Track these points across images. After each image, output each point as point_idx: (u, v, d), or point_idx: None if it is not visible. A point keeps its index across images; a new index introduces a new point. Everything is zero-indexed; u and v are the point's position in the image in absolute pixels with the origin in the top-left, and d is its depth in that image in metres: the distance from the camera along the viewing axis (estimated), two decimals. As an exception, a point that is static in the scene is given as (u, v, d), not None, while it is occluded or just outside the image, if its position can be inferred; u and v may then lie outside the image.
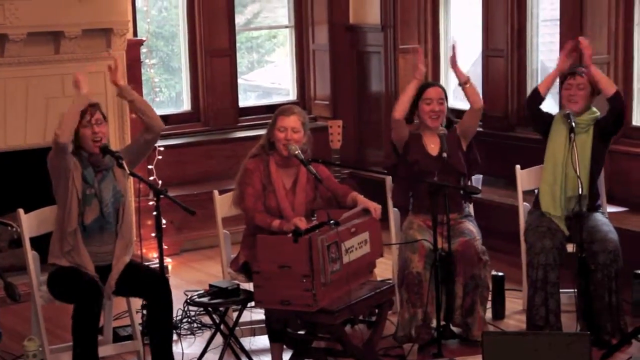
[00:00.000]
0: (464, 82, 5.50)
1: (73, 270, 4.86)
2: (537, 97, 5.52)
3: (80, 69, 5.37)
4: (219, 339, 5.16)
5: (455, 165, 5.46)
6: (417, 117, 5.58)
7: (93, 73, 6.22)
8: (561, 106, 5.79)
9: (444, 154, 5.33)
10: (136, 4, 7.26)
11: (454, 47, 5.58)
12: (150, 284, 4.89)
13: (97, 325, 4.81)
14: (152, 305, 4.87)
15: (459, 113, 5.80)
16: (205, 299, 4.99)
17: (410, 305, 5.27)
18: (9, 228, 5.79)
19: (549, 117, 5.56)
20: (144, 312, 4.97)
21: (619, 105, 5.41)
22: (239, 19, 8.11)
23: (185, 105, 7.92)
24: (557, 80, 5.68)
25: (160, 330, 4.89)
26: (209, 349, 5.14)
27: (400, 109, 5.48)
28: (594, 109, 5.50)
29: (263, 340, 5.32)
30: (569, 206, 5.43)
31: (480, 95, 5.60)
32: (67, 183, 4.85)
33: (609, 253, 5.26)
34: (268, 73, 8.80)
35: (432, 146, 5.50)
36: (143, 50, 7.14)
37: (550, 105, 6.65)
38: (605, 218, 5.56)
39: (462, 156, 5.54)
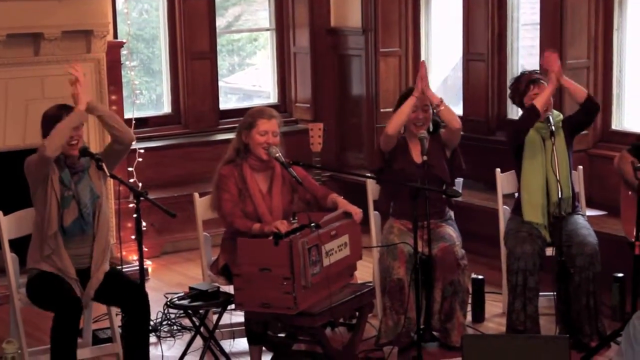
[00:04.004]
0: (436, 105, 5.45)
1: (53, 277, 4.82)
2: (538, 115, 5.36)
3: (60, 70, 5.34)
4: (199, 341, 5.15)
5: (437, 173, 5.46)
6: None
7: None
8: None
9: (424, 157, 5.33)
10: (116, 6, 7.24)
11: (424, 70, 5.46)
12: (128, 297, 4.85)
13: (76, 335, 4.79)
14: (130, 318, 4.85)
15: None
16: (185, 302, 4.98)
17: (394, 312, 5.28)
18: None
19: None
20: (124, 315, 4.95)
21: (593, 108, 5.45)
22: (220, 22, 8.10)
23: (166, 108, 7.91)
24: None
25: (137, 342, 4.86)
26: (188, 351, 5.13)
27: (395, 126, 5.43)
28: (556, 111, 5.54)
29: (243, 343, 5.31)
30: (552, 211, 5.44)
31: (456, 115, 5.52)
32: (45, 187, 4.82)
33: (586, 256, 5.28)
34: (249, 76, 8.80)
35: (417, 153, 5.47)
36: (123, 52, 7.12)
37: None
38: (585, 221, 5.58)
39: (446, 163, 5.54)
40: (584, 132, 5.88)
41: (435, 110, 5.48)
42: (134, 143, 6.99)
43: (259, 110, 5.19)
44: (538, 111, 5.35)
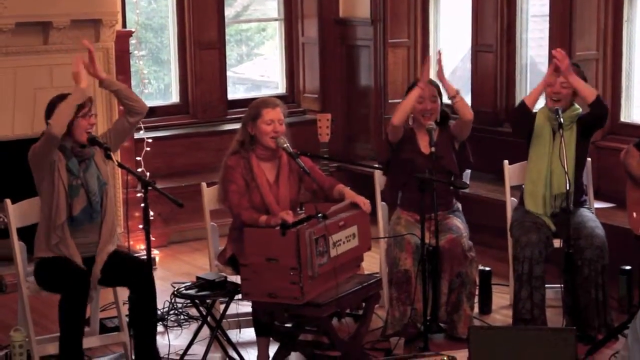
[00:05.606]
0: (452, 96, 5.47)
1: (60, 259, 4.85)
2: (526, 110, 5.43)
3: (68, 59, 5.34)
4: (205, 331, 5.15)
5: (445, 165, 5.46)
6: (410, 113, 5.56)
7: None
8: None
9: (432, 148, 5.33)
10: (125, -5, 7.25)
11: (439, 60, 5.52)
12: (133, 271, 4.89)
13: (84, 313, 4.81)
14: (136, 294, 4.87)
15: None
16: (192, 291, 4.99)
17: (400, 303, 5.28)
18: (-4, 218, 5.78)
19: (532, 118, 5.54)
20: (130, 297, 4.96)
21: (601, 110, 5.41)
22: (229, 12, 8.10)
23: (174, 97, 7.91)
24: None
25: (143, 319, 4.88)
26: (195, 341, 5.14)
27: (400, 116, 5.44)
28: (576, 105, 5.51)
29: (250, 333, 5.32)
30: (555, 203, 5.43)
31: (470, 107, 5.55)
32: (51, 176, 4.83)
33: (595, 249, 5.28)
34: (257, 66, 8.79)
35: (425, 144, 5.48)
36: (132, 41, 7.13)
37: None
38: (592, 214, 5.58)
39: (454, 155, 5.54)
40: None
41: (450, 101, 5.48)
42: (141, 132, 7.09)
43: (262, 100, 5.18)
44: (527, 107, 5.42)
